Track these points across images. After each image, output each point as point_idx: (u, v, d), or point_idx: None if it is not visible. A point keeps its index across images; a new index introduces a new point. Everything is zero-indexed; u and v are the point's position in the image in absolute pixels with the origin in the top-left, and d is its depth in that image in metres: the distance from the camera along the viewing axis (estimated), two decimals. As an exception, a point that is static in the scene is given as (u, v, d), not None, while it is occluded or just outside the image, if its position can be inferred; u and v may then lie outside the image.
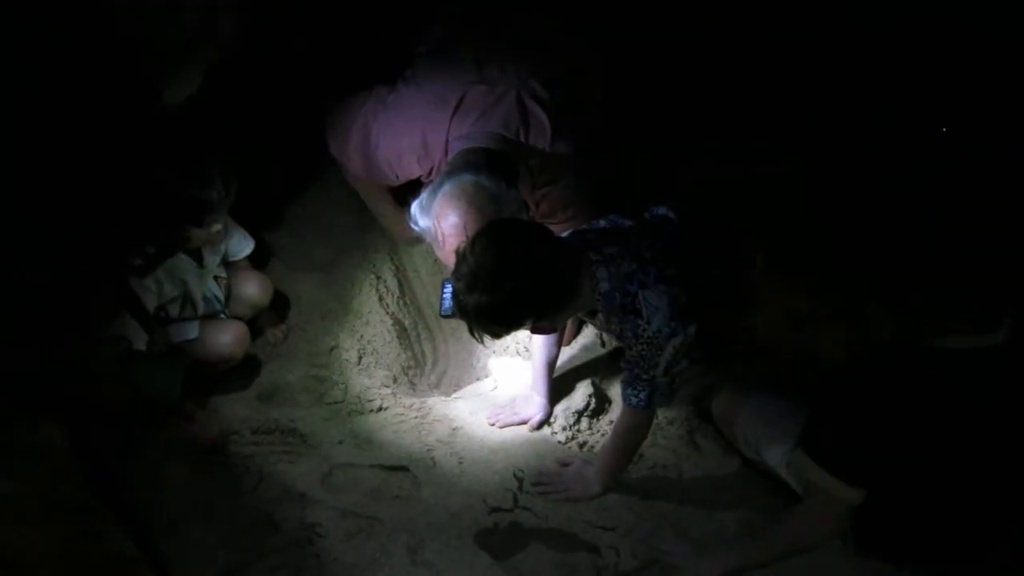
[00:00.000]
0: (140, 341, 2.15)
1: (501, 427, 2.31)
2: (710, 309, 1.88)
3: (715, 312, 1.92)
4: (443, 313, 1.80)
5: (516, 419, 2.32)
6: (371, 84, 2.34)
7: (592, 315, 1.93)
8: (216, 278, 2.41)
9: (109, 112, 1.59)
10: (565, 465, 2.13)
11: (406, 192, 2.26)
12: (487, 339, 1.83)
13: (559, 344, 2.35)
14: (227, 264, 2.51)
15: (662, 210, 1.95)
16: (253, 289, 2.54)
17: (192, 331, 2.34)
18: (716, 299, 1.91)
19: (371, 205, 2.63)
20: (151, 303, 2.23)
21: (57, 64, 1.49)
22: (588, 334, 2.62)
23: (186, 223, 2.18)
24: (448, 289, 1.74)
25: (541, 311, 1.76)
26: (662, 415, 2.29)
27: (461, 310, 1.72)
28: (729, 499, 2.05)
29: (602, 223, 1.90)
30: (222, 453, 2.14)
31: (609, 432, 2.26)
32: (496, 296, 1.66)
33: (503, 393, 2.51)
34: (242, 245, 2.53)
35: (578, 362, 2.52)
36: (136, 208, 1.97)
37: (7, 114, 1.49)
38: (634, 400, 1.84)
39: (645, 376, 1.82)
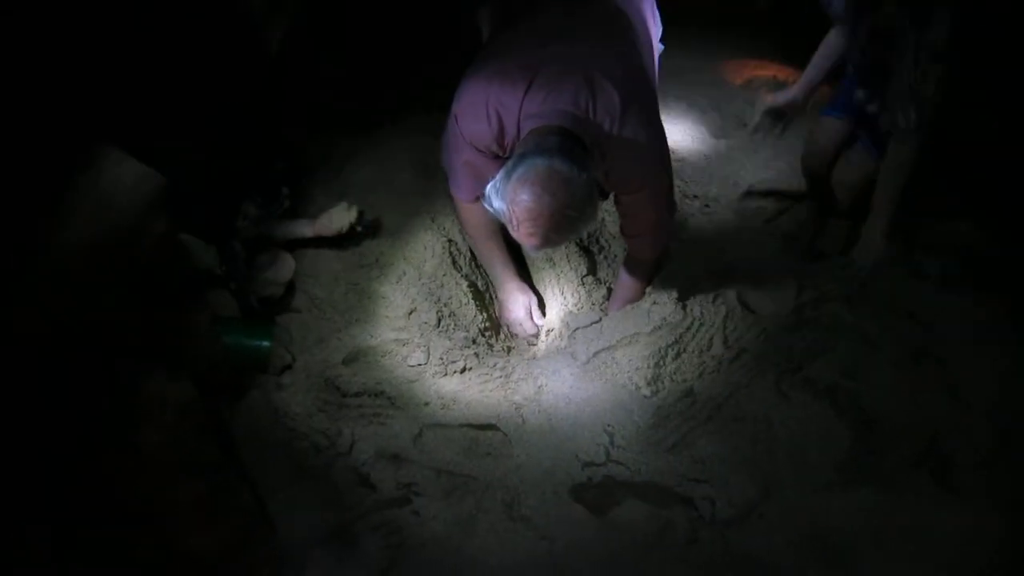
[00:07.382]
0: (229, 306, 2.18)
1: None
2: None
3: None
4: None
5: None
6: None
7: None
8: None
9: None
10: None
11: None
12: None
13: None
14: (271, 241, 2.52)
15: None
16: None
17: None
18: None
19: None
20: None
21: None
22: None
23: (283, 184, 2.21)
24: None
25: None
26: (748, 371, 2.29)
27: None
28: (820, 444, 2.04)
29: None
30: (313, 417, 2.17)
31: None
32: None
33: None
34: None
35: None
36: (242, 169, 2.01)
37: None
38: (903, 122, 2.13)
39: (918, 95, 2.09)
